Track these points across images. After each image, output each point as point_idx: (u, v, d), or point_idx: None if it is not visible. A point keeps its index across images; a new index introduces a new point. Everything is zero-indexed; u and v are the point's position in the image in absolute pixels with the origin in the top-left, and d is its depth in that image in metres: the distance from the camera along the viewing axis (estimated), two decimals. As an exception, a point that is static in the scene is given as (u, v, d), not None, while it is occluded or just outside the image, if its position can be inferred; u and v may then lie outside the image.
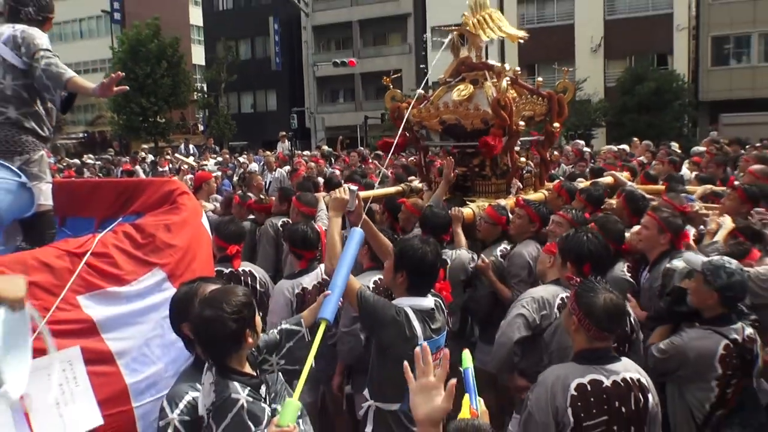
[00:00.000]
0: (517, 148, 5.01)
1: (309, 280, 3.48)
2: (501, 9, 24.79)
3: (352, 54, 29.09)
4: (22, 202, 2.85)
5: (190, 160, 13.64)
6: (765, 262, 3.15)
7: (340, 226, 2.72)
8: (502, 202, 4.37)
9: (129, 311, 2.37)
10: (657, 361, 2.62)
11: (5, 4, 3.21)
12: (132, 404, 2.25)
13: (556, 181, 5.50)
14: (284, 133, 17.89)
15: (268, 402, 1.98)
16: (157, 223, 2.66)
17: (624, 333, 2.78)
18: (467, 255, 3.79)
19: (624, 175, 5.87)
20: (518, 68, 5.65)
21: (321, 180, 7.41)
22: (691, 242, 3.50)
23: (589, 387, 2.17)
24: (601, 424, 2.17)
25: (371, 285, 3.25)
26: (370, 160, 11.22)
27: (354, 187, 2.96)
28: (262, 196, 5.96)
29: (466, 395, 2.17)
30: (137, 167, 13.51)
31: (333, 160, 13.23)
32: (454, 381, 1.66)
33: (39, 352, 2.07)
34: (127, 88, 3.30)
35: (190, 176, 7.86)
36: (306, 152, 15.94)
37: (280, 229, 4.89)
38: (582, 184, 5.26)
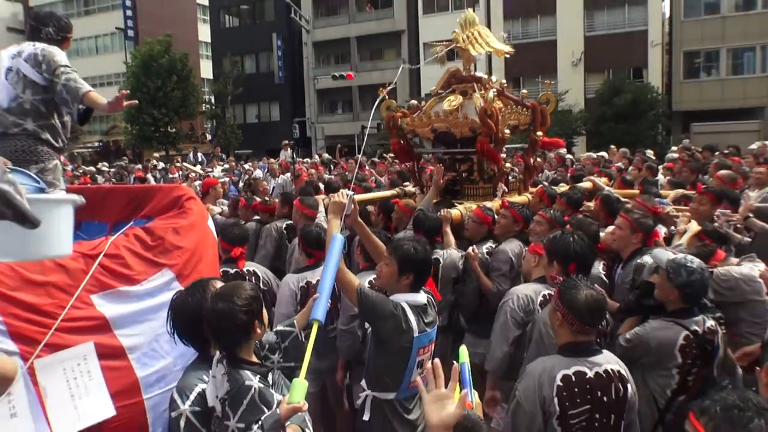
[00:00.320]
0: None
1: (313, 276, 3.47)
2: (488, 26, 24.92)
3: (350, 68, 29.13)
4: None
5: (198, 168, 13.63)
6: (729, 262, 3.17)
7: (339, 227, 2.72)
8: (489, 204, 4.38)
9: (140, 309, 2.36)
10: (623, 349, 2.64)
11: (27, 23, 3.22)
12: (143, 396, 2.24)
13: (539, 186, 5.52)
14: (287, 141, 17.83)
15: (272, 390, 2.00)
16: (166, 227, 2.65)
17: (601, 328, 2.80)
18: (458, 254, 3.82)
19: (602, 180, 5.92)
20: (504, 81, 5.68)
21: (321, 185, 7.41)
22: (662, 241, 3.52)
23: (573, 378, 2.19)
24: (585, 413, 2.19)
25: (366, 284, 3.25)
26: (366, 168, 11.23)
27: (351, 192, 2.98)
28: (266, 199, 5.97)
29: (458, 387, 2.17)
30: (148, 174, 13.47)
31: (332, 166, 13.24)
32: (466, 390, 1.67)
33: (54, 347, 2.07)
34: (137, 102, 3.31)
35: (198, 182, 7.86)
36: (307, 160, 15.91)
37: (284, 231, 4.90)
38: (563, 188, 5.29)
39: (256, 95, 32.27)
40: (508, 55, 5.51)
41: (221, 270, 3.24)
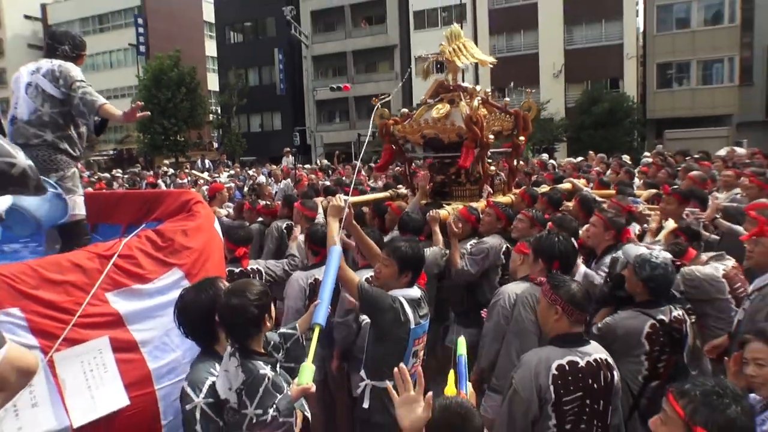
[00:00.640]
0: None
1: (320, 273, 3.46)
2: (475, 40, 24.94)
3: (347, 80, 29.08)
4: (57, 211, 2.85)
5: (205, 174, 13.60)
6: (699, 261, 3.19)
7: (338, 228, 2.75)
8: (474, 204, 4.40)
9: (151, 305, 2.38)
10: (595, 338, 2.64)
11: (45, 41, 3.23)
12: (154, 387, 2.25)
13: (522, 187, 5.54)
14: (288, 149, 17.82)
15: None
16: (175, 229, 2.67)
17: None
18: (439, 251, 3.79)
19: (581, 182, 5.94)
20: (488, 90, 5.69)
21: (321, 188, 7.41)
22: (634, 238, 3.54)
23: (567, 367, 2.19)
24: (577, 399, 2.20)
25: (368, 277, 3.27)
26: (363, 173, 11.21)
27: (347, 199, 3.03)
28: (268, 203, 5.98)
29: (452, 372, 2.18)
30: (159, 180, 13.44)
31: (330, 172, 13.23)
32: (430, 393, 1.69)
33: (72, 341, 2.08)
34: (149, 113, 3.31)
35: (205, 187, 7.85)
36: (307, 165, 15.92)
37: (284, 230, 4.91)
38: (545, 189, 5.31)
39: (260, 106, 32.22)
40: (491, 65, 5.52)
41: (227, 269, 3.26)
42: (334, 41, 30.86)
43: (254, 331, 1.95)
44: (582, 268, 3.22)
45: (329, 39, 31.01)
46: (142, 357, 2.26)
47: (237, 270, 3.55)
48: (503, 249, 3.76)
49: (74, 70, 2.95)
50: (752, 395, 1.94)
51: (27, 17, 41.07)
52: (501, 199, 4.78)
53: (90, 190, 8.46)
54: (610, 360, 2.30)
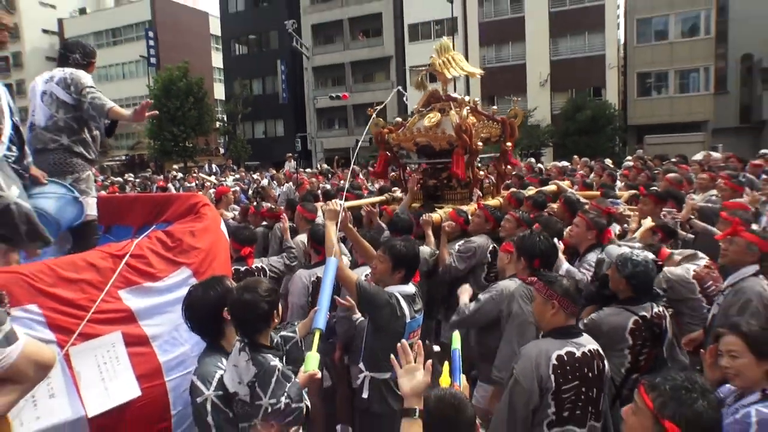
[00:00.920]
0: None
1: (322, 271, 3.48)
2: (466, 51, 25.12)
3: (345, 89, 29.08)
4: (75, 213, 2.86)
5: (212, 178, 13.57)
6: (673, 261, 3.19)
7: (335, 230, 2.76)
8: (465, 207, 4.41)
9: (161, 302, 2.37)
10: None
11: (58, 51, 3.23)
12: (164, 378, 2.25)
13: (510, 190, 5.55)
14: (290, 154, 17.82)
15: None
16: (183, 230, 2.66)
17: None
18: (428, 251, 3.79)
19: (565, 184, 5.95)
20: (478, 99, 5.70)
21: (320, 192, 7.41)
22: (614, 237, 3.55)
23: (565, 357, 2.20)
24: (574, 387, 2.21)
25: (363, 277, 3.27)
26: (360, 177, 11.22)
27: (343, 202, 3.05)
28: (272, 206, 5.98)
29: (446, 364, 2.19)
30: (169, 184, 13.40)
31: (330, 176, 13.23)
32: (430, 361, 1.70)
33: (86, 336, 2.08)
34: (157, 112, 3.31)
35: (212, 190, 7.84)
36: (308, 170, 15.87)
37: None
38: (531, 191, 5.32)
39: (263, 114, 32.18)
40: (479, 76, 5.55)
41: (233, 267, 3.26)
42: (334, 53, 30.85)
43: (263, 326, 1.94)
44: (564, 265, 3.24)
45: (329, 51, 31.00)
46: (152, 350, 2.26)
47: (242, 268, 3.56)
48: (490, 248, 3.78)
49: (84, 77, 2.95)
50: (727, 386, 1.96)
51: (45, 31, 41.01)
52: (490, 201, 4.80)
53: (104, 193, 8.44)
54: (600, 350, 2.32)
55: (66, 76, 2.92)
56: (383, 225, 4.35)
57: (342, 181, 9.82)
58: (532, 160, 13.00)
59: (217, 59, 38.39)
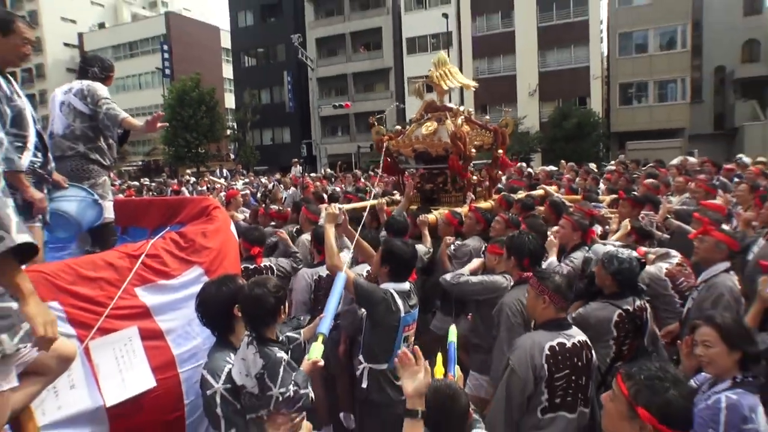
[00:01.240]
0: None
1: (325, 270, 3.48)
2: (460, 64, 25.13)
3: (348, 98, 29.13)
4: (95, 214, 2.87)
5: (222, 181, 13.56)
6: (648, 259, 3.19)
7: (334, 233, 2.77)
8: (459, 209, 4.41)
9: (175, 299, 2.38)
10: None
11: (78, 64, 3.23)
12: (178, 370, 2.25)
13: (501, 193, 5.55)
14: (296, 159, 17.79)
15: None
16: (196, 231, 2.67)
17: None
18: (423, 249, 3.78)
19: (552, 188, 5.96)
20: (471, 109, 5.71)
21: (325, 195, 7.40)
22: (597, 237, 3.56)
23: (557, 348, 2.21)
24: (566, 376, 2.21)
25: (364, 273, 3.27)
26: (361, 180, 11.22)
27: (342, 206, 3.05)
28: (279, 208, 5.99)
29: (440, 357, 2.19)
30: (183, 188, 13.37)
31: (333, 179, 13.22)
32: (428, 362, 1.70)
33: (105, 330, 2.08)
34: (167, 124, 3.31)
35: (223, 193, 7.84)
36: (313, 174, 15.90)
37: (294, 233, 4.90)
38: (521, 194, 5.33)
39: (271, 122, 32.20)
40: (474, 88, 5.56)
41: (242, 266, 3.25)
42: (337, 65, 30.89)
43: (271, 321, 1.92)
44: (551, 259, 3.23)
45: (332, 63, 31.05)
46: (166, 344, 2.26)
47: (252, 266, 3.55)
48: (483, 249, 3.78)
49: (101, 90, 2.95)
50: (702, 374, 1.96)
51: (66, 45, 41.03)
52: (482, 204, 4.79)
53: (121, 196, 8.44)
54: (588, 341, 2.32)
55: (83, 87, 2.92)
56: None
57: (344, 185, 9.81)
58: (523, 164, 12.98)
59: (227, 71, 38.43)
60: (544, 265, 3.09)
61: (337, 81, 31.30)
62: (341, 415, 3.66)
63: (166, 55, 32.52)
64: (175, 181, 16.89)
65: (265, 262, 3.74)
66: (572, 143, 22.03)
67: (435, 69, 5.00)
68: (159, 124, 2.91)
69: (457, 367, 2.16)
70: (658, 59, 23.61)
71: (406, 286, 2.60)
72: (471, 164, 4.99)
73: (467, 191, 4.90)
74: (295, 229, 4.92)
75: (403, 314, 2.50)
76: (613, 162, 12.18)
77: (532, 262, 2.85)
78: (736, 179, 6.47)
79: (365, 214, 3.90)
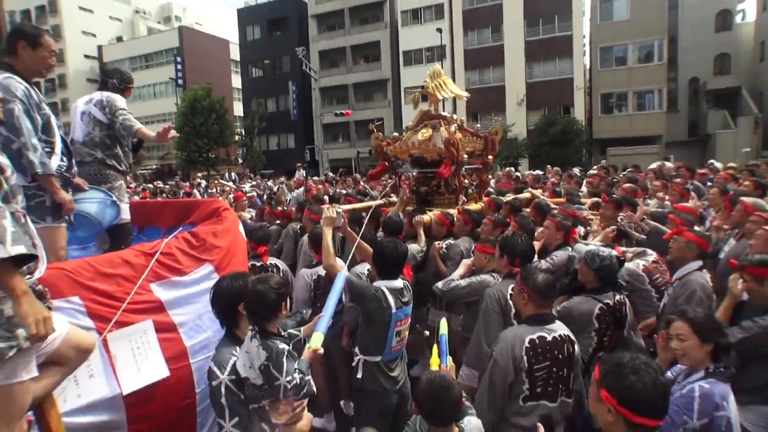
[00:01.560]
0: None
1: (323, 270, 3.47)
2: (453, 75, 25.16)
3: (348, 107, 29.12)
4: (113, 214, 2.88)
5: (231, 184, 13.54)
6: (626, 257, 3.21)
7: (331, 235, 2.76)
8: (451, 210, 4.42)
9: (187, 294, 2.37)
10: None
11: (99, 76, 3.23)
12: (190, 360, 2.25)
13: (490, 196, 5.56)
14: (300, 164, 17.78)
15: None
16: (207, 231, 2.67)
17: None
18: (417, 248, 3.78)
19: (537, 191, 5.97)
20: (463, 117, 5.73)
21: (326, 197, 7.40)
22: (579, 238, 3.57)
23: (537, 341, 2.21)
24: (546, 367, 2.21)
25: (365, 271, 3.26)
26: (361, 183, 11.21)
27: (340, 210, 3.05)
28: (284, 208, 5.98)
29: (435, 349, 2.19)
30: (194, 190, 13.34)
31: (334, 183, 13.20)
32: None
33: (122, 324, 2.08)
34: (178, 134, 3.30)
35: (231, 195, 7.83)
36: (315, 177, 15.85)
37: (298, 231, 4.92)
38: (509, 197, 5.34)
39: (276, 128, 32.18)
40: (466, 98, 5.57)
41: (249, 264, 3.25)
42: (338, 75, 30.88)
43: (272, 315, 1.91)
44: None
45: (333, 74, 31.03)
46: (179, 336, 2.26)
47: (258, 264, 3.54)
48: (472, 249, 3.78)
49: (119, 101, 2.95)
50: (678, 365, 1.97)
51: (86, 56, 40.94)
52: (472, 206, 4.80)
53: (137, 198, 8.42)
54: (572, 335, 2.31)
55: (103, 98, 2.93)
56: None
57: (344, 188, 9.81)
58: (511, 169, 13.03)
59: (236, 81, 38.42)
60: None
61: (338, 91, 31.31)
62: (341, 402, 3.67)
63: (179, 67, 32.52)
64: (187, 184, 16.85)
65: (271, 260, 3.74)
66: (557, 149, 22.01)
67: (430, 80, 5.01)
68: (170, 135, 2.91)
69: (449, 357, 2.17)
70: (636, 71, 23.67)
71: (398, 283, 2.57)
72: (463, 169, 5.00)
73: (459, 194, 4.91)
74: (299, 227, 4.94)
75: (394, 310, 2.47)
76: (595, 167, 12.20)
77: (523, 261, 2.85)
78: (708, 183, 6.49)
79: (365, 215, 3.90)
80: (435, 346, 2.26)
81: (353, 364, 2.65)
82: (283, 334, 2.14)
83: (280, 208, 5.83)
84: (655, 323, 2.92)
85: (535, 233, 3.58)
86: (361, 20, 30.29)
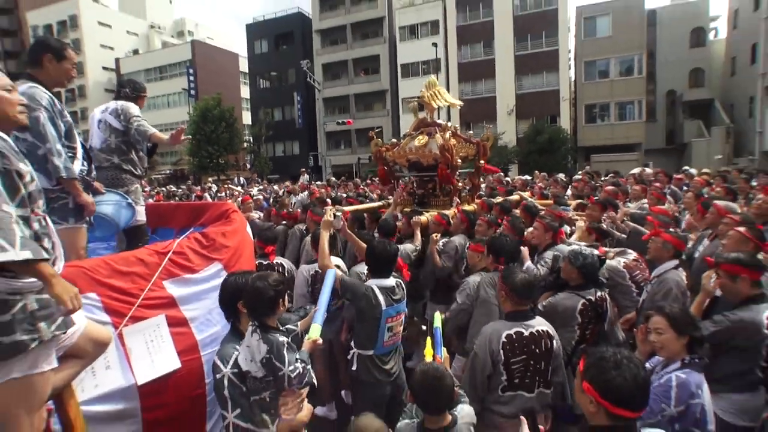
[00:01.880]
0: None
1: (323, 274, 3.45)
2: (448, 86, 25.19)
3: (349, 116, 29.15)
4: (129, 215, 2.88)
5: (239, 188, 13.52)
6: (608, 256, 3.22)
7: (328, 237, 2.75)
8: (446, 211, 4.42)
9: (198, 290, 2.37)
10: (540, 314, 2.66)
11: (115, 86, 3.23)
12: (200, 353, 2.25)
13: (482, 197, 5.57)
14: (304, 169, 17.81)
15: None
16: (216, 231, 2.67)
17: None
18: (411, 248, 3.77)
19: (526, 194, 5.98)
20: (457, 125, 5.73)
21: (329, 200, 7.39)
22: (565, 237, 3.58)
23: (514, 336, 2.22)
24: (522, 360, 2.22)
25: (365, 271, 3.24)
26: (361, 187, 11.23)
27: (338, 213, 3.04)
28: (290, 210, 5.99)
29: (429, 341, 2.19)
30: (205, 194, 13.32)
31: (336, 187, 13.20)
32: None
33: (136, 318, 2.08)
34: (190, 137, 3.30)
35: (240, 199, 7.82)
36: (318, 182, 15.86)
37: (304, 232, 4.91)
38: (499, 199, 5.34)
39: (282, 136, 32.19)
40: (460, 107, 5.58)
41: (257, 262, 3.24)
42: (340, 86, 30.91)
43: (270, 311, 1.88)
44: (527, 263, 3.24)
45: (336, 85, 31.07)
46: (190, 330, 2.26)
47: (265, 262, 3.54)
48: (467, 245, 3.78)
49: (133, 108, 2.96)
50: (656, 357, 1.97)
51: (104, 68, 40.92)
52: (466, 207, 4.81)
53: (151, 201, 8.41)
54: (551, 330, 2.31)
55: (117, 107, 2.93)
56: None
57: (345, 192, 9.80)
58: (501, 174, 13.02)
59: (245, 91, 38.37)
60: (523, 268, 3.10)
61: (340, 101, 31.34)
62: (342, 392, 3.66)
63: (192, 78, 32.48)
64: (199, 187, 16.80)
65: (277, 259, 3.73)
66: (544, 156, 22.05)
67: (426, 90, 5.03)
68: (182, 137, 2.91)
69: (443, 348, 2.16)
70: (617, 84, 23.77)
71: (389, 282, 2.54)
72: (457, 172, 5.01)
73: (453, 196, 4.92)
74: (304, 228, 4.93)
75: (384, 307, 2.45)
76: (579, 173, 12.23)
77: (507, 259, 2.86)
78: (684, 188, 6.51)
79: (365, 216, 3.90)
80: (429, 338, 2.26)
81: (348, 357, 2.63)
82: (281, 329, 2.14)
83: (285, 211, 5.83)
84: (635, 318, 2.92)
85: (525, 232, 3.59)
86: (362, 35, 30.35)
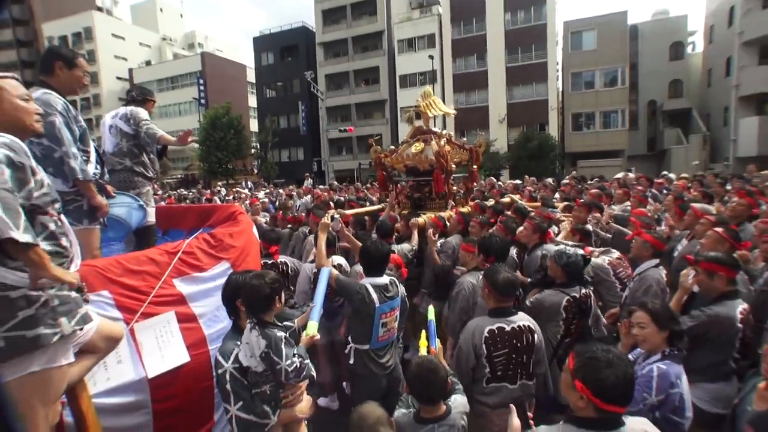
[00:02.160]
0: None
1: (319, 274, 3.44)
2: (443, 96, 25.25)
3: (351, 124, 29.16)
4: (141, 216, 2.86)
5: (247, 191, 13.51)
6: (593, 255, 3.23)
7: (325, 238, 2.74)
8: (442, 213, 4.42)
9: (206, 288, 2.37)
10: (528, 309, 2.67)
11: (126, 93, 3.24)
12: (208, 347, 2.24)
13: (475, 200, 5.57)
14: (308, 174, 17.81)
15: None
16: (224, 232, 2.66)
17: (516, 296, 2.82)
18: (408, 247, 3.75)
19: (516, 197, 5.99)
20: (452, 132, 5.75)
21: (332, 203, 7.39)
22: (554, 237, 3.58)
23: (496, 331, 2.21)
24: (504, 354, 2.21)
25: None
26: (362, 191, 11.22)
27: (337, 216, 3.03)
28: (294, 213, 5.98)
29: (423, 334, 2.18)
30: (214, 197, 13.31)
31: (338, 191, 13.18)
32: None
33: (147, 315, 2.06)
34: (197, 138, 3.31)
35: (247, 201, 7.81)
36: (321, 186, 15.86)
37: (307, 233, 4.91)
38: (491, 202, 5.35)
39: (287, 143, 32.16)
40: (454, 115, 5.60)
41: (262, 261, 3.23)
42: (342, 96, 30.94)
43: (267, 308, 1.86)
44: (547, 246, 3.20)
45: (338, 95, 31.10)
46: (199, 326, 2.25)
47: (269, 262, 3.54)
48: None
49: (142, 113, 2.95)
50: (638, 349, 1.97)
51: (118, 78, 40.87)
52: (461, 209, 4.81)
53: (163, 204, 8.38)
54: (533, 325, 2.30)
55: (127, 112, 2.93)
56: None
57: (347, 195, 9.79)
58: (493, 179, 13.03)
59: (252, 100, 38.38)
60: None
61: (342, 110, 31.36)
62: (344, 384, 3.64)
63: (202, 88, 32.48)
64: (208, 191, 16.81)
65: (281, 258, 3.73)
66: (534, 162, 22.07)
67: (422, 100, 5.05)
68: (190, 138, 2.91)
69: (437, 340, 2.16)
70: (602, 94, 23.84)
71: (382, 280, 2.51)
72: (451, 177, 5.01)
73: (448, 199, 4.93)
74: (308, 230, 4.93)
75: (378, 305, 2.42)
76: (567, 177, 12.24)
77: (497, 258, 2.87)
78: (665, 191, 6.53)
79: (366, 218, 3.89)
80: (423, 330, 2.26)
81: (346, 351, 2.62)
82: (279, 324, 2.13)
83: (291, 214, 5.83)
84: (618, 313, 2.92)
85: (516, 232, 3.59)
86: (362, 48, 30.41)
